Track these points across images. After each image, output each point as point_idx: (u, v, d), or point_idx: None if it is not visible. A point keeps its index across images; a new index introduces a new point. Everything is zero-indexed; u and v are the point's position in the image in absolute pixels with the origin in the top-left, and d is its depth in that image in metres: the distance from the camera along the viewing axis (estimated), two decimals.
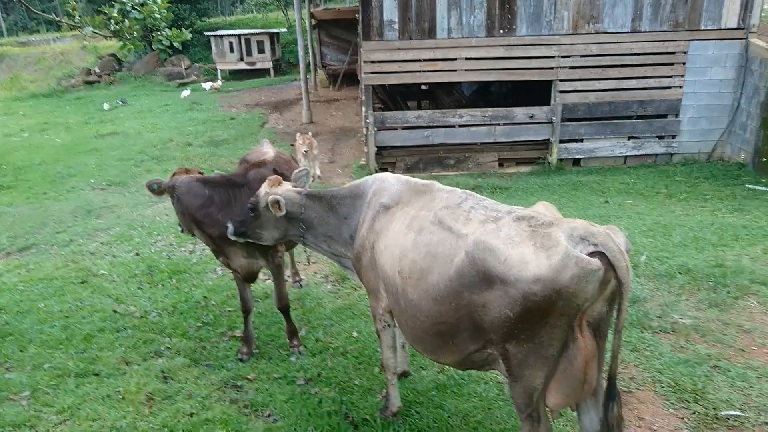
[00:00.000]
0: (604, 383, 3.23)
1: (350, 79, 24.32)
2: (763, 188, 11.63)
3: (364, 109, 13.54)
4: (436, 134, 13.63)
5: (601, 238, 2.87)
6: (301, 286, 6.75)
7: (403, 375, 4.84)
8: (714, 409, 4.22)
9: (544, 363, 3.00)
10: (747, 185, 11.96)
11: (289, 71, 30.78)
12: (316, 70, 25.57)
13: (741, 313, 5.57)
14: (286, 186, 4.36)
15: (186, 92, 24.57)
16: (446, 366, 4.93)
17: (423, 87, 19.37)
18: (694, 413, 4.21)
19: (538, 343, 2.96)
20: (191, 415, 4.47)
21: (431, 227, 3.37)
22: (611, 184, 12.29)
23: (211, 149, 15.25)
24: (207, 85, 25.73)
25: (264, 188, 4.30)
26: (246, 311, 5.35)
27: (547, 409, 3.23)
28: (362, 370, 5.01)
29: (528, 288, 2.85)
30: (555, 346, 2.96)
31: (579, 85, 13.49)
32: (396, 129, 13.75)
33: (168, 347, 5.53)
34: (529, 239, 2.93)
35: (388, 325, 4.04)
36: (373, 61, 13.02)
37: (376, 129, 13.22)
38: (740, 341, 5.09)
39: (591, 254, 2.84)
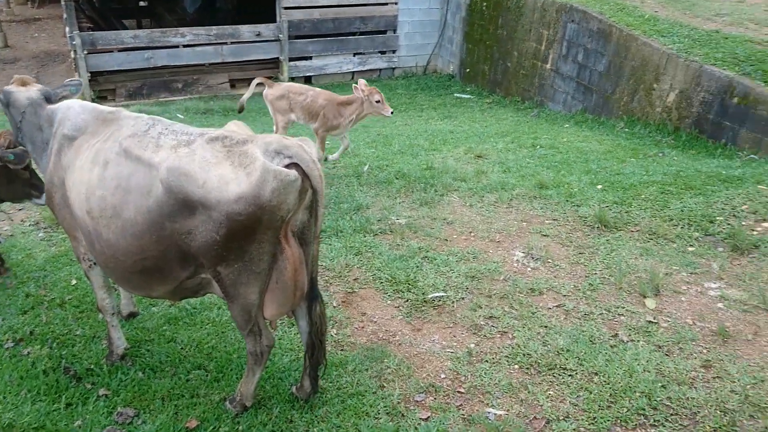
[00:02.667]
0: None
1: None
2: (468, 96, 13.11)
3: (68, 29, 11.89)
4: (158, 56, 12.63)
5: (294, 150, 2.95)
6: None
7: (132, 316, 4.59)
8: (423, 294, 4.79)
9: (257, 278, 3.07)
10: (455, 94, 13.37)
11: None
12: None
13: (445, 208, 6.32)
14: (36, 86, 3.88)
15: None
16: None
17: (141, 3, 17.66)
18: (407, 300, 4.73)
19: (249, 260, 3.00)
20: None
21: (118, 159, 3.12)
22: None
23: None
24: None
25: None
26: None
27: (266, 320, 3.35)
28: (84, 319, 4.63)
29: (231, 208, 2.83)
30: (265, 260, 3.03)
31: (303, 1, 13.50)
32: (112, 51, 12.42)
33: None
34: (225, 159, 2.88)
35: (95, 264, 3.74)
36: None
37: (85, 52, 11.76)
38: (444, 233, 5.80)
39: (287, 166, 2.91)
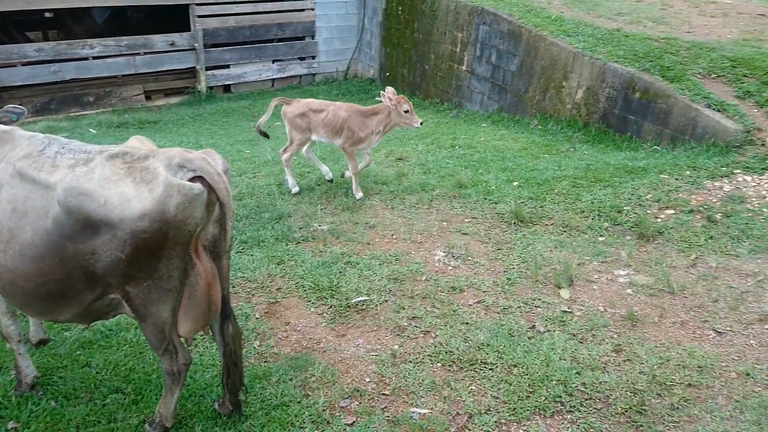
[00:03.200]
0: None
1: None
2: None
3: None
4: (66, 69, 12.09)
5: (198, 163, 2.89)
6: None
7: (42, 343, 4.37)
8: (346, 299, 4.80)
9: (168, 296, 2.99)
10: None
11: None
12: None
13: (367, 211, 6.36)
14: None
15: None
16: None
17: (47, 14, 16.85)
18: (330, 307, 4.73)
19: (158, 277, 2.92)
20: None
21: (12, 181, 2.97)
22: (261, 108, 12.53)
23: None
24: None
25: None
26: None
27: (181, 337, 3.26)
28: None
29: (135, 226, 2.75)
30: (175, 276, 2.96)
31: (217, 9, 13.26)
32: (15, 65, 11.78)
33: None
34: (127, 176, 2.80)
35: None
36: None
37: None
38: (367, 236, 5.83)
39: (191, 180, 2.85)
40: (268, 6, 13.85)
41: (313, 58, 14.84)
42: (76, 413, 3.69)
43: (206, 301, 3.11)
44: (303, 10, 14.30)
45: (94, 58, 12.36)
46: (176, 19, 13.94)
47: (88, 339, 4.41)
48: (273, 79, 14.47)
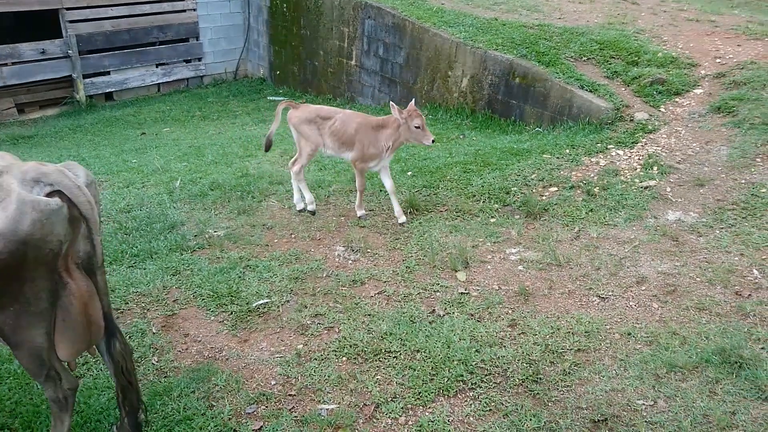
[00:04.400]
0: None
1: None
2: (281, 98, 13.08)
3: None
4: None
5: (54, 177, 2.73)
6: None
7: None
8: (247, 303, 4.71)
9: (39, 319, 2.81)
10: (268, 97, 13.30)
11: None
12: None
13: (264, 213, 6.27)
14: None
15: None
16: None
17: None
18: (231, 313, 4.63)
19: (24, 301, 2.73)
20: None
21: None
22: (147, 114, 12.14)
23: None
24: None
25: None
26: None
27: (63, 362, 3.09)
28: None
29: None
30: (44, 298, 2.78)
31: (90, 13, 12.59)
32: None
33: None
34: None
35: None
36: None
37: None
38: (265, 238, 5.75)
39: (49, 194, 2.69)
40: (146, 8, 13.29)
41: (200, 59, 14.41)
42: None
43: (83, 321, 2.95)
44: (184, 10, 13.84)
45: None
46: (47, 26, 13.08)
47: None
48: (159, 84, 13.93)
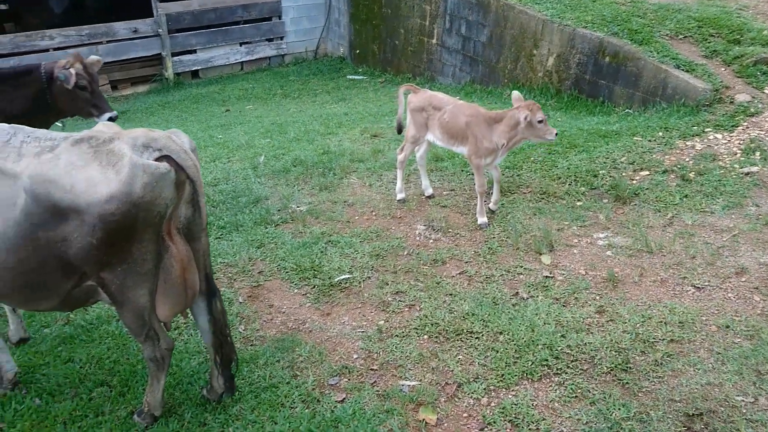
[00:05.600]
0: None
1: None
2: (360, 77, 13.13)
3: None
4: (26, 62, 11.72)
5: (163, 142, 2.85)
6: None
7: (22, 342, 4.30)
8: (329, 278, 4.78)
9: (144, 280, 2.95)
10: (348, 76, 13.35)
11: None
12: None
13: (345, 189, 6.32)
14: None
15: None
16: (71, 315, 4.55)
17: (2, 7, 16.32)
18: (314, 287, 4.71)
19: (132, 262, 2.88)
20: None
21: None
22: (231, 92, 12.44)
23: None
24: None
25: None
26: None
27: (162, 323, 3.23)
28: None
29: (103, 209, 2.71)
30: (149, 260, 2.92)
31: None
32: None
33: None
34: (93, 160, 2.75)
35: None
36: None
37: None
38: (346, 214, 5.80)
39: (158, 159, 2.81)
40: None
41: (282, 38, 14.62)
42: (62, 409, 3.64)
43: (182, 285, 3.08)
44: None
45: (55, 49, 12.03)
46: (138, 5, 13.60)
47: (69, 334, 4.35)
48: (242, 62, 14.25)
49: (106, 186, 2.69)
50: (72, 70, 5.25)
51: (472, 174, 6.27)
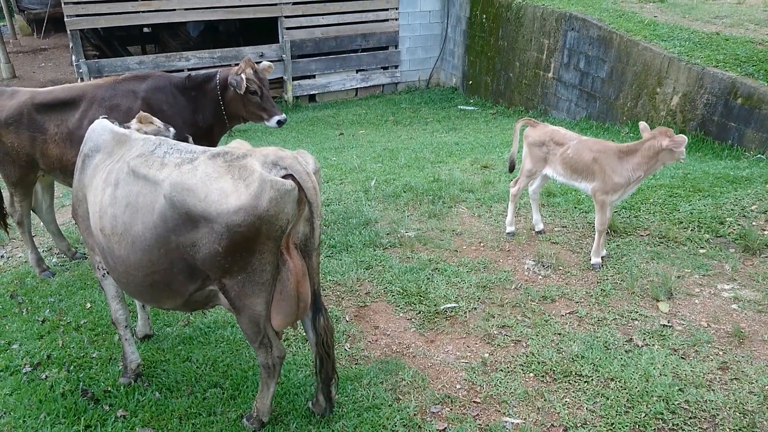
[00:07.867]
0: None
1: (59, 24, 21.43)
2: (472, 108, 13.18)
3: (74, 57, 12.08)
4: None
5: (289, 161, 3.01)
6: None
7: (147, 338, 4.63)
8: (435, 305, 4.79)
9: (262, 289, 3.11)
10: (459, 106, 13.45)
11: None
12: (11, 14, 21.98)
13: (454, 219, 6.34)
14: None
15: None
16: (191, 317, 4.84)
17: (145, 30, 17.91)
18: (419, 312, 4.73)
19: (252, 271, 3.05)
20: None
21: (127, 179, 3.25)
22: (345, 117, 12.86)
23: None
24: None
25: None
26: None
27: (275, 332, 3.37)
28: (100, 342, 4.66)
29: (231, 219, 2.89)
30: (268, 271, 3.08)
31: (304, 21, 13.65)
32: None
33: None
34: (226, 173, 2.96)
35: (108, 273, 3.82)
36: (76, 2, 11.58)
37: (91, 79, 11.90)
38: (454, 243, 5.80)
39: (284, 177, 2.97)
40: (353, 17, 14.14)
41: (396, 67, 15.00)
42: (178, 405, 3.87)
43: (295, 297, 3.22)
44: (387, 20, 14.50)
45: (189, 69, 12.99)
46: (265, 32, 14.46)
47: (189, 335, 4.63)
48: (357, 89, 14.73)
49: (236, 198, 2.88)
50: (243, 76, 5.37)
51: (585, 211, 6.10)
